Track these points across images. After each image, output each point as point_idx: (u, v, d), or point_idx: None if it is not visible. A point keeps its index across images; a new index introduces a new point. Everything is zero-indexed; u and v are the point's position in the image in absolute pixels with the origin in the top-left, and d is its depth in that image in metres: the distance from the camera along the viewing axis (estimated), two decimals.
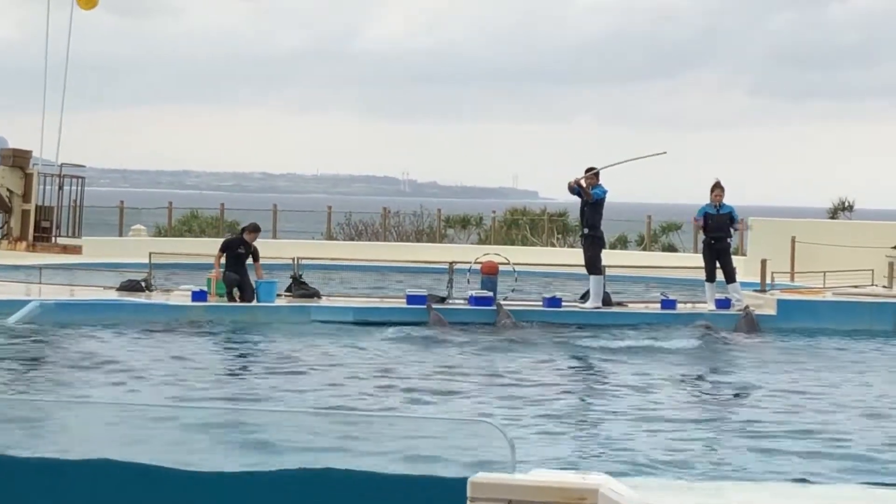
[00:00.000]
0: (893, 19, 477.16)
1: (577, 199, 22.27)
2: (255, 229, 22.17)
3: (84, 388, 14.09)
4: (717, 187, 22.26)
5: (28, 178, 22.34)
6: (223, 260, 21.55)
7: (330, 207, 38.85)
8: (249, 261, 21.57)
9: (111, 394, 13.70)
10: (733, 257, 22.73)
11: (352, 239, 38.60)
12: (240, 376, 15.78)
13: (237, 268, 21.42)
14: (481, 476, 6.46)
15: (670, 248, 37.29)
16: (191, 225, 38.64)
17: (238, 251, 21.57)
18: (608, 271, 22.57)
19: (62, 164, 23.09)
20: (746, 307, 21.47)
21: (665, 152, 24.35)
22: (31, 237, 22.39)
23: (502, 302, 21.40)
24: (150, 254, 23.70)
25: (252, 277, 21.42)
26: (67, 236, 23.08)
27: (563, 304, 21.76)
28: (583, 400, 14.36)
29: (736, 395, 15.02)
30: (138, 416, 8.07)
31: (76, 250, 23.17)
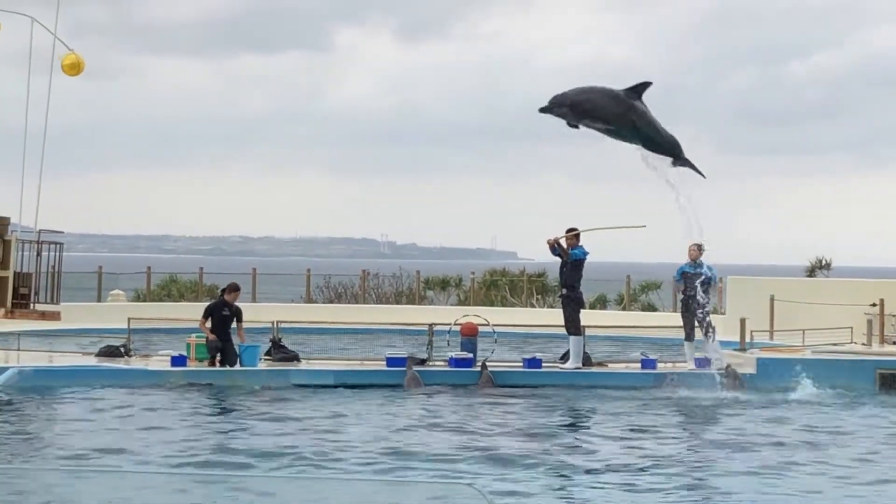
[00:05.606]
0: (852, 76, 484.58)
1: (556, 260, 22.37)
2: (234, 289, 22.09)
3: (34, 454, 13.94)
4: (694, 245, 22.41)
5: (6, 244, 22.30)
6: (208, 324, 21.50)
7: (309, 270, 38.78)
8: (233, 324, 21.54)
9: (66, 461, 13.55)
10: (712, 316, 22.77)
11: (331, 302, 38.55)
12: (203, 442, 15.37)
13: (222, 331, 21.34)
14: None
15: (650, 308, 37.30)
16: (170, 289, 38.52)
17: (223, 313, 21.52)
18: (588, 331, 22.61)
19: (40, 230, 23.05)
20: (728, 365, 21.48)
21: (645, 226, 24.67)
22: (9, 304, 22.33)
23: (488, 363, 21.41)
24: (129, 319, 23.67)
25: (235, 340, 21.37)
26: (46, 302, 23.02)
27: (544, 364, 21.76)
28: (564, 461, 14.32)
29: (725, 459, 14.95)
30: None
31: (55, 316, 23.12)
